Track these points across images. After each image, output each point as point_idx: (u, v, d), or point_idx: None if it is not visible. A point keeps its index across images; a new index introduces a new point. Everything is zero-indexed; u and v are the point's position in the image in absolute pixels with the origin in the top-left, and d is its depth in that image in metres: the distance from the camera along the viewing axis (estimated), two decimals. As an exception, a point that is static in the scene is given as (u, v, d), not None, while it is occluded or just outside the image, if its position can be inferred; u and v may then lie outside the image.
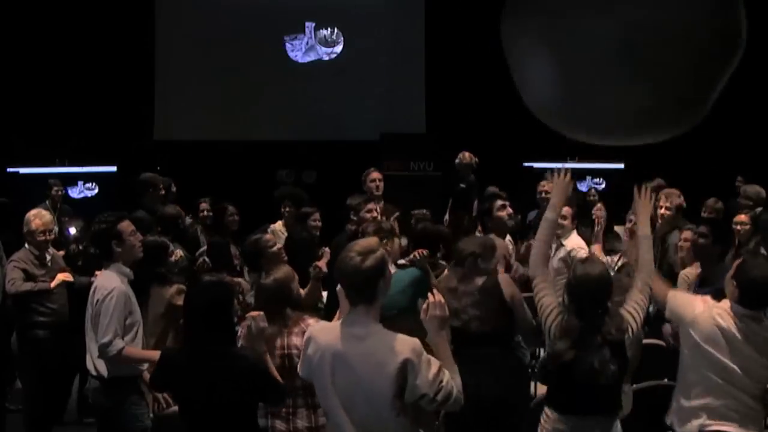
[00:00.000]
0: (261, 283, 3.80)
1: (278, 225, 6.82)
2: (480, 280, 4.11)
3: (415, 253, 4.48)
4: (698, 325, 3.41)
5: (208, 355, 3.16)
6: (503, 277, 4.26)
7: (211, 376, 3.13)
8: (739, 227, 5.87)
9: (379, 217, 5.65)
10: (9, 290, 5.30)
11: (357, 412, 2.85)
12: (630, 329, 3.40)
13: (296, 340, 3.59)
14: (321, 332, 3.01)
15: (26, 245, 5.44)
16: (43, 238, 5.41)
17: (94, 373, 4.11)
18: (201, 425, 3.20)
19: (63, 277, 5.45)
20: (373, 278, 2.88)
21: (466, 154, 8.99)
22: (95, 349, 4.06)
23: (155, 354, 4.09)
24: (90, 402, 4.32)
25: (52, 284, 5.39)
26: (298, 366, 3.04)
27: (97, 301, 4.04)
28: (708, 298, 3.54)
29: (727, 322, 3.39)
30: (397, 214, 5.87)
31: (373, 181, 6.65)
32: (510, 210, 5.53)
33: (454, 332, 3.90)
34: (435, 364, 2.84)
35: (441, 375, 2.81)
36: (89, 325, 4.16)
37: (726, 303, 3.47)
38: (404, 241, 5.03)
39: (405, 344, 2.83)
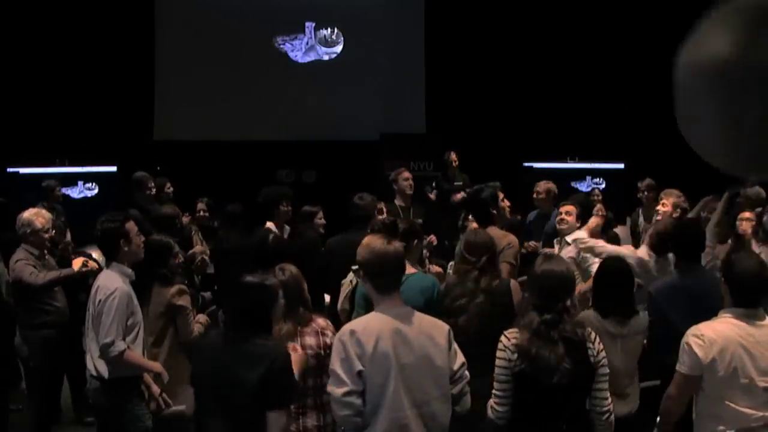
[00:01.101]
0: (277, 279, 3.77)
1: (271, 225, 6.85)
2: (494, 281, 4.10)
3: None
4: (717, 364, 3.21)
5: (230, 341, 3.14)
6: (514, 284, 4.26)
7: (238, 373, 3.08)
8: (744, 223, 5.87)
9: (385, 216, 5.66)
10: (37, 282, 5.21)
11: (416, 390, 2.98)
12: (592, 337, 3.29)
13: (310, 340, 3.58)
14: (364, 322, 3.06)
15: (24, 245, 5.35)
16: (48, 235, 5.41)
17: (94, 373, 4.10)
18: (217, 421, 3.12)
19: (81, 260, 5.42)
20: (401, 262, 3.14)
21: (453, 154, 9.02)
22: (96, 349, 4.06)
23: (154, 365, 4.14)
24: (90, 402, 4.30)
25: (75, 267, 5.36)
26: (353, 363, 2.94)
27: (100, 301, 4.03)
28: (704, 329, 3.28)
29: (738, 333, 3.23)
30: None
31: (407, 180, 6.64)
32: (508, 203, 5.55)
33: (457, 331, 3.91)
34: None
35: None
36: (89, 324, 4.15)
37: (725, 315, 3.31)
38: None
39: (439, 320, 3.18)
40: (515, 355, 3.18)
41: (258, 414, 3.11)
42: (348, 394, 2.93)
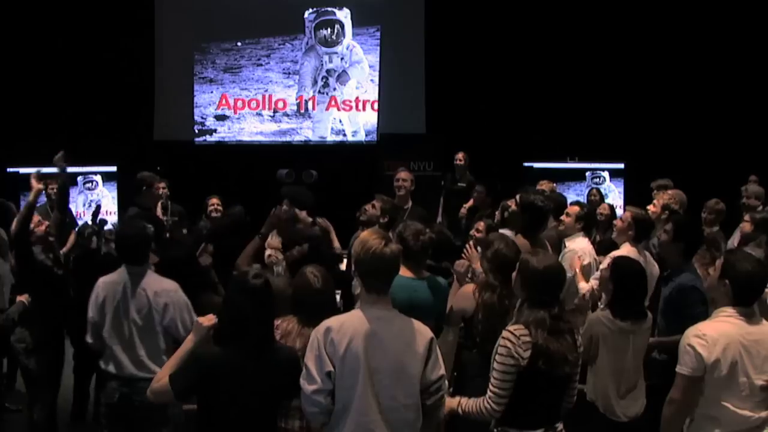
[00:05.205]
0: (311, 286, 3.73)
1: None
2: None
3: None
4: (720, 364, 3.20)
5: (251, 353, 3.05)
6: None
7: (252, 376, 3.03)
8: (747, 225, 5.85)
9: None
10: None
11: (385, 395, 2.92)
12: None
13: None
14: (341, 321, 3.01)
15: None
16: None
17: (148, 376, 4.00)
18: (227, 424, 3.07)
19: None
20: (396, 264, 3.04)
21: (461, 154, 9.02)
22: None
23: None
24: (135, 404, 4.13)
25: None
26: (324, 362, 2.93)
27: (165, 304, 4.00)
28: (703, 328, 3.27)
29: (739, 331, 3.22)
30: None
31: (398, 180, 6.77)
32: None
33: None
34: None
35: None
36: (136, 326, 4.08)
37: (725, 314, 3.28)
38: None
39: (424, 327, 3.07)
40: (527, 353, 3.10)
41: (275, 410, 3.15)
42: (317, 392, 2.93)
